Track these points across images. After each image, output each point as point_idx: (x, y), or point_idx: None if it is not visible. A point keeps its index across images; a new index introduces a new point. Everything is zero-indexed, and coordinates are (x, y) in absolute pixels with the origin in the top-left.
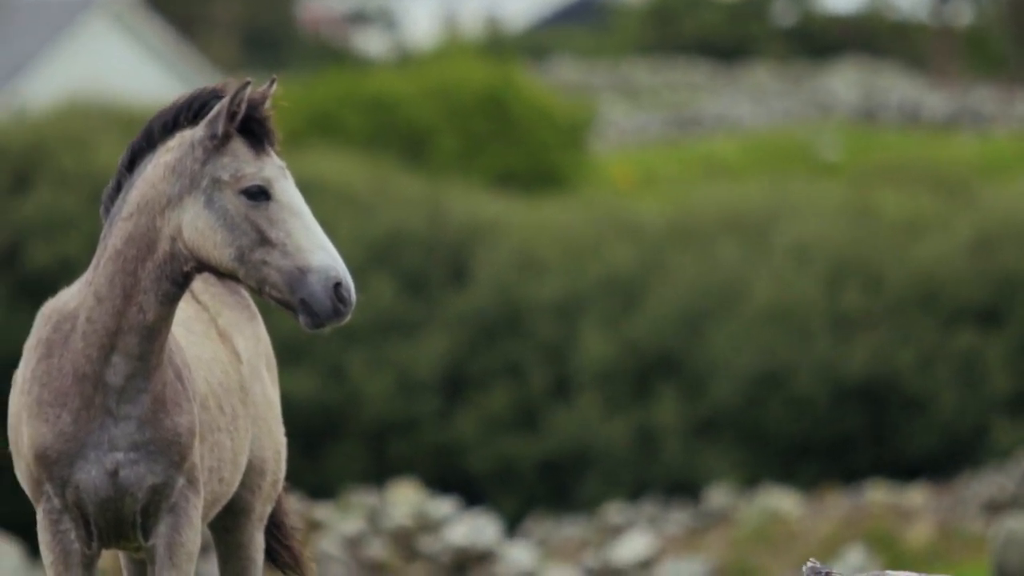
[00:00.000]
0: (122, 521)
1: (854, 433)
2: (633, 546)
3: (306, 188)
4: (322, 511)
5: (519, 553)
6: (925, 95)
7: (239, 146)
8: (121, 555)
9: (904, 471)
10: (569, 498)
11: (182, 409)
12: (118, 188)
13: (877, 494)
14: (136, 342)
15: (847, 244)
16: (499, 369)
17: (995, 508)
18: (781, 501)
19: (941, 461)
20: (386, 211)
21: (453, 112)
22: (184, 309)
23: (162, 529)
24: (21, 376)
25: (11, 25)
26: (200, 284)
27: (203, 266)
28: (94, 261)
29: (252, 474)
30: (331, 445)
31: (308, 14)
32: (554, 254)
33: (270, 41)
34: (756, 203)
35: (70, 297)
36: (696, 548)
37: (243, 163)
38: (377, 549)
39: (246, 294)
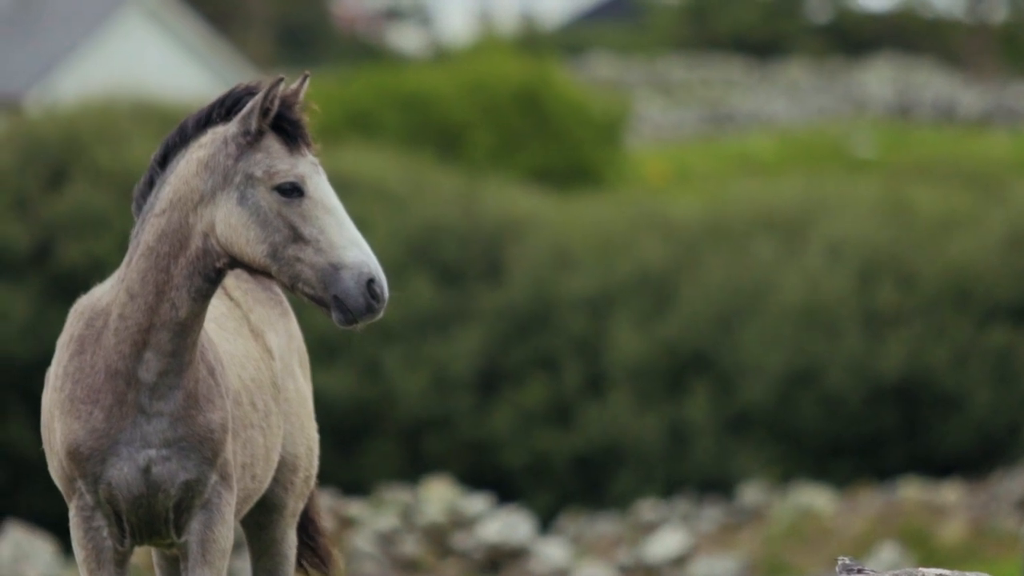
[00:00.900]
0: (154, 518)
1: (887, 430)
2: (666, 543)
3: (342, 185)
4: (356, 507)
5: (552, 550)
6: (959, 92)
7: (272, 142)
8: (153, 552)
9: (937, 468)
10: (602, 495)
11: (215, 405)
12: (150, 184)
13: (910, 491)
14: (168, 338)
15: (881, 241)
16: (532, 365)
17: None
18: (814, 498)
19: (974, 458)
20: (422, 207)
21: (488, 108)
22: (216, 305)
23: (195, 526)
24: (53, 373)
25: (46, 22)
26: (232, 280)
27: (236, 262)
28: (126, 258)
29: (284, 470)
30: (366, 442)
31: (343, 11)
32: (588, 250)
33: (305, 38)
34: (790, 200)
35: (103, 293)
36: (729, 545)
37: (276, 160)
38: (410, 546)
39: (279, 290)
